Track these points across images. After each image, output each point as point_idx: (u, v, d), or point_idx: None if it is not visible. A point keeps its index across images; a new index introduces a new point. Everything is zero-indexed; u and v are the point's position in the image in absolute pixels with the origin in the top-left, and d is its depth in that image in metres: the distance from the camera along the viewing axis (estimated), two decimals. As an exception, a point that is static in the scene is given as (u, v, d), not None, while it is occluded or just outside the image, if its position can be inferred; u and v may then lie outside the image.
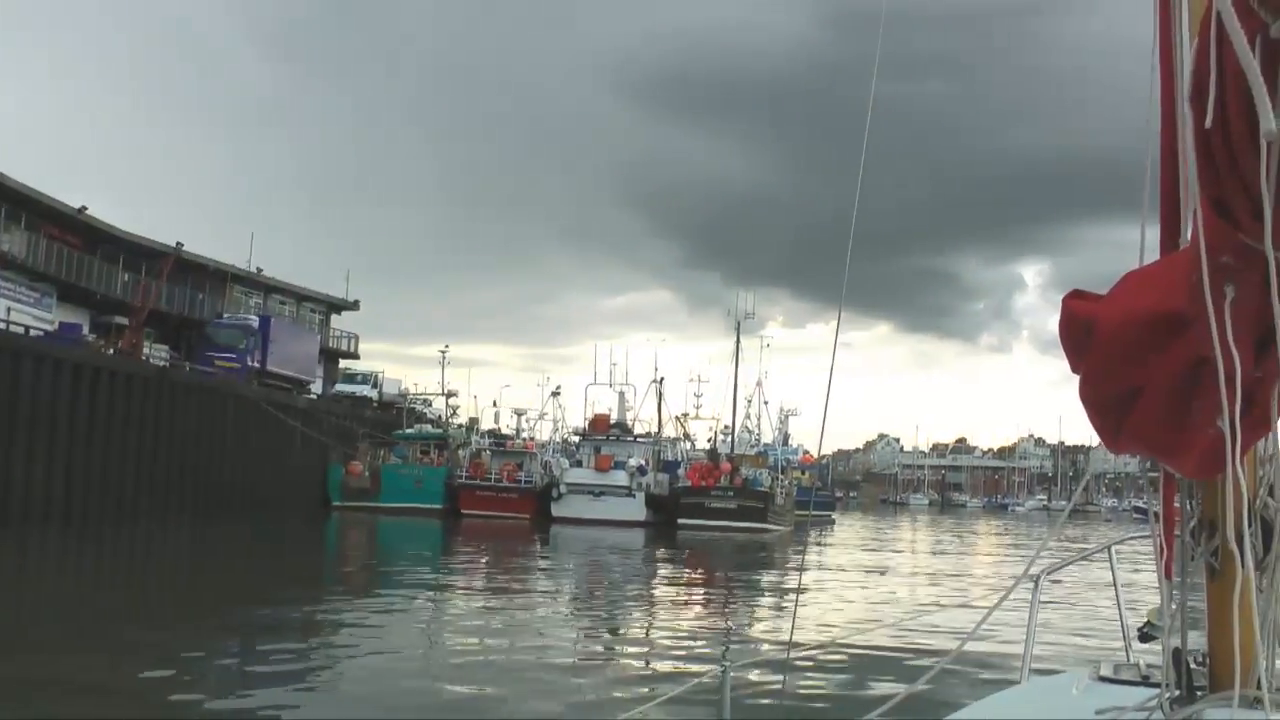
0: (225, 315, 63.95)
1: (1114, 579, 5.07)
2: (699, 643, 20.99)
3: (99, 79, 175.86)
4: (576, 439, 72.07)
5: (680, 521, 59.92)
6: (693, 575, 37.39)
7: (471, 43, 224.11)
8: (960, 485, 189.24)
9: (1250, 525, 2.35)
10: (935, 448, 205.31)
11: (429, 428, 72.18)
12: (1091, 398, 2.34)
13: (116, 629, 19.20)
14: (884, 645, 18.44)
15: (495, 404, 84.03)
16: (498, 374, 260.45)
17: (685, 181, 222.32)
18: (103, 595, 25.84)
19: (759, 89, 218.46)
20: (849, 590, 31.22)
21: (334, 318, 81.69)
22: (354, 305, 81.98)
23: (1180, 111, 2.03)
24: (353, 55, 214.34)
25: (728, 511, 60.99)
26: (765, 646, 20.01)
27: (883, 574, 38.49)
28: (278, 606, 22.70)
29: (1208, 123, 1.79)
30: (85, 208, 55.62)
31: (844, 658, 17.14)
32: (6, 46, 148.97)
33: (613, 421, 70.76)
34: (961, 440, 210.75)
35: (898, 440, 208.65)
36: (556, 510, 61.35)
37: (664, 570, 38.85)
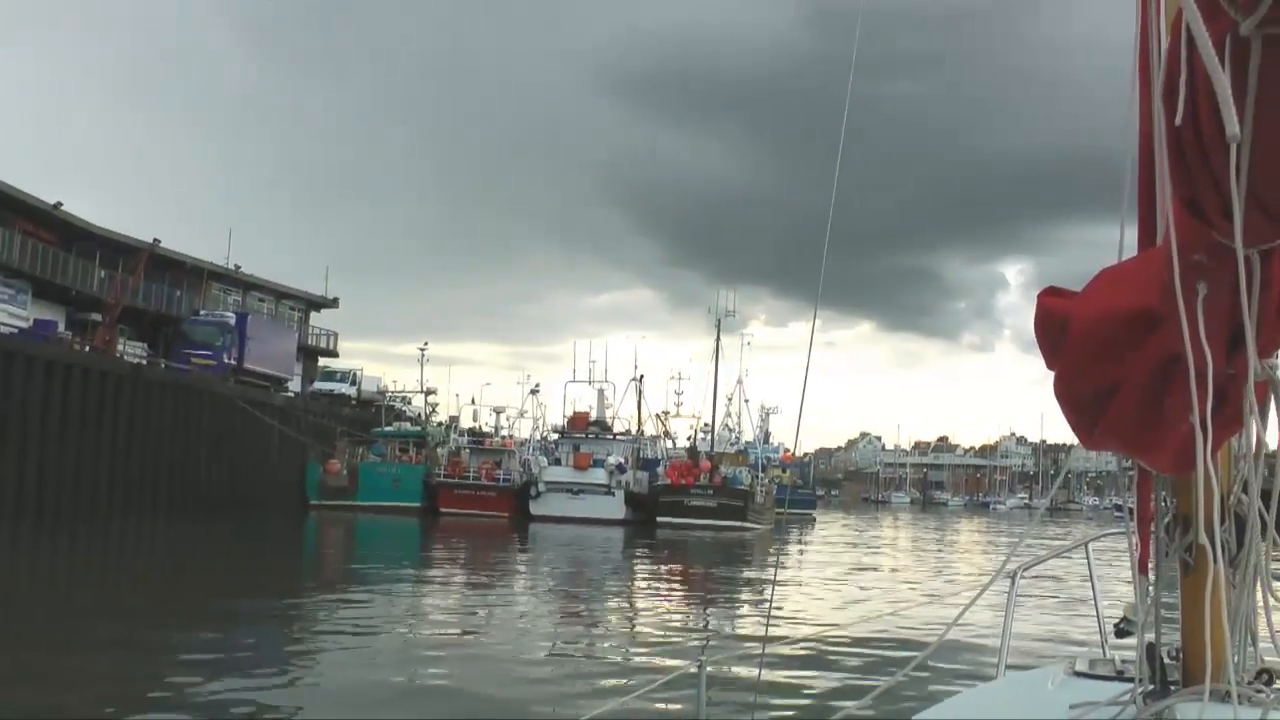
0: (202, 312, 63.58)
1: (1091, 575, 5.05)
2: (676, 638, 20.96)
3: (79, 75, 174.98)
4: (555, 437, 71.88)
5: (660, 520, 59.81)
6: (671, 573, 37.28)
7: (455, 41, 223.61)
8: (942, 484, 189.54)
9: (1223, 521, 2.34)
10: (917, 446, 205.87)
11: (408, 426, 71.88)
12: (1066, 394, 2.35)
13: (89, 625, 19.02)
14: (861, 640, 18.41)
15: (474, 402, 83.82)
16: (481, 372, 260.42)
17: (669, 180, 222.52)
18: (75, 592, 25.69)
19: (743, 87, 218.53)
20: (827, 587, 31.18)
21: (314, 315, 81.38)
22: (333, 303, 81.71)
23: (1154, 110, 2.01)
24: (336, 53, 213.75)
25: (707, 510, 60.90)
26: (742, 641, 19.91)
27: (862, 571, 38.47)
28: (253, 604, 22.54)
29: (1178, 121, 1.78)
30: (60, 203, 55.40)
31: (820, 653, 17.15)
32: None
33: (592, 419, 70.62)
34: (943, 439, 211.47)
35: (879, 439, 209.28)
36: (535, 508, 61.16)
37: (642, 568, 38.71)
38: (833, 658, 16.93)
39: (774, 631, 19.58)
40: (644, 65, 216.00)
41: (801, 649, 17.13)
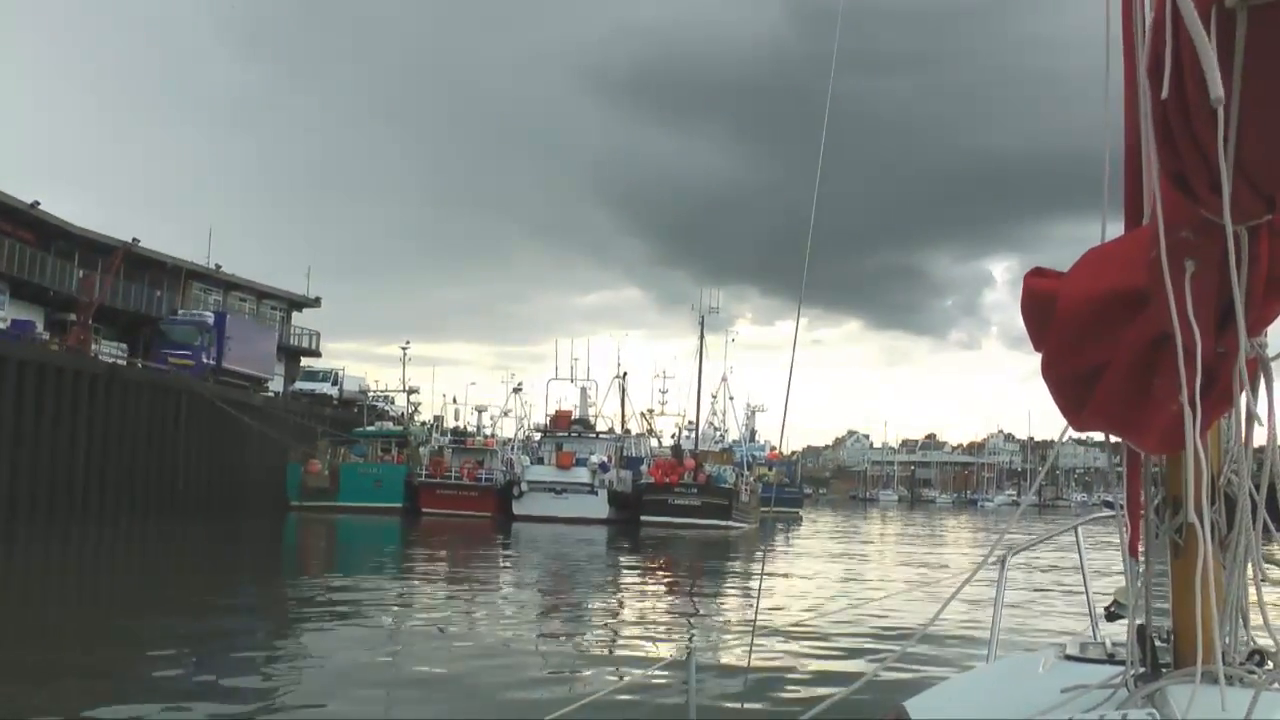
0: (181, 312, 63.04)
1: (1080, 559, 5.01)
2: (664, 629, 21.01)
3: (62, 75, 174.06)
4: (538, 436, 71.41)
5: (643, 519, 59.46)
6: (656, 569, 37.12)
7: (441, 41, 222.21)
8: (930, 481, 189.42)
9: (1213, 502, 2.38)
10: (905, 444, 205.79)
11: (390, 425, 71.25)
12: (1054, 375, 2.36)
13: (70, 621, 18.98)
14: (851, 628, 18.48)
15: (455, 401, 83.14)
16: (467, 372, 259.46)
17: (656, 179, 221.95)
18: (54, 590, 25.44)
19: (729, 86, 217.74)
20: (816, 579, 31.22)
21: (296, 315, 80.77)
22: (315, 302, 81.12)
23: (1139, 85, 2.00)
24: (322, 54, 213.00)
25: (691, 509, 60.54)
26: (730, 630, 19.91)
27: (850, 564, 38.51)
28: (232, 602, 22.43)
29: (1163, 94, 1.78)
30: (38, 203, 54.75)
31: (810, 640, 17.20)
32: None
33: (575, 418, 70.16)
34: (931, 436, 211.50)
35: (867, 436, 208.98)
36: (518, 508, 60.73)
37: (628, 565, 38.46)
38: (823, 645, 16.96)
39: (763, 621, 19.71)
40: (630, 65, 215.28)
41: (791, 637, 17.30)
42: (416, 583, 29.24)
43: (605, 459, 65.29)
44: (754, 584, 29.94)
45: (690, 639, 18.89)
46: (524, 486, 62.01)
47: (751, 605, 24.13)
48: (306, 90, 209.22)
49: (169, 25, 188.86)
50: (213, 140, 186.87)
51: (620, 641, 19.27)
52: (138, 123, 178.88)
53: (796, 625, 18.48)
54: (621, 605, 25.72)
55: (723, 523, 60.17)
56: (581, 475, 62.29)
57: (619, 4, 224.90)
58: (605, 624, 21.90)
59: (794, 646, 16.72)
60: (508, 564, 37.14)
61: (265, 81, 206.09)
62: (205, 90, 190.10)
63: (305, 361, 79.10)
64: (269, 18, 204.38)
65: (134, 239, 59.54)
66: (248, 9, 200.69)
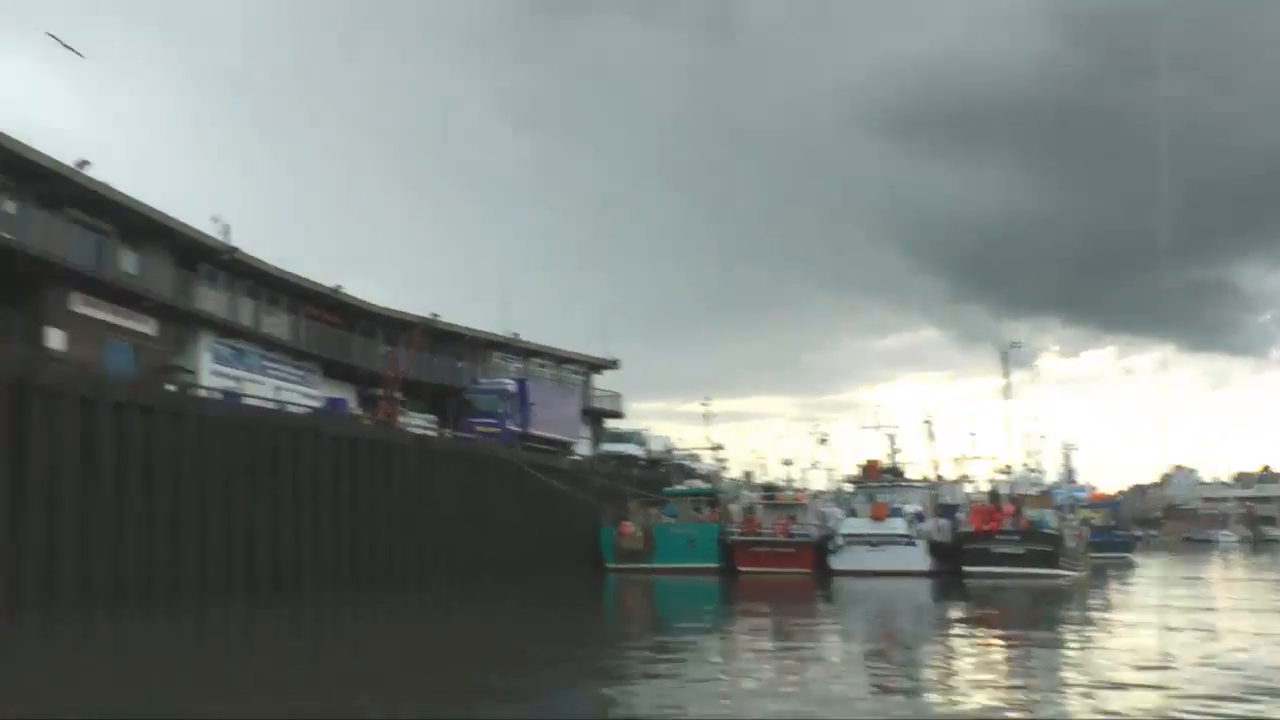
0: (483, 381, 63.96)
1: None
2: (1036, 688, 18.25)
3: (349, 164, 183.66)
4: (850, 488, 68.67)
5: (965, 569, 55.79)
6: (996, 624, 33.89)
7: (711, 91, 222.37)
8: (1272, 519, 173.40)
9: None
10: (1239, 477, 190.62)
11: (699, 483, 70.11)
12: None
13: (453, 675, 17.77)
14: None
15: (760, 455, 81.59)
16: (768, 425, 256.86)
17: (942, 213, 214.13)
18: (414, 652, 24.78)
19: (1007, 111, 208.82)
20: (1188, 632, 28.29)
21: (595, 377, 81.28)
22: (614, 364, 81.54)
23: None
24: (596, 119, 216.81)
25: (1015, 557, 56.38)
26: (1113, 689, 17.28)
27: (1210, 616, 34.82)
28: (562, 659, 22.04)
29: None
30: (340, 287, 57.25)
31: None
32: (271, 134, 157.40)
33: (885, 467, 67.15)
34: (1266, 468, 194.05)
35: (1194, 471, 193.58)
36: (834, 563, 57.96)
37: (962, 619, 35.39)
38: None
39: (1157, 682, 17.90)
40: (902, 99, 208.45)
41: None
42: (751, 639, 28.04)
43: (920, 508, 62.03)
44: (1112, 638, 27.48)
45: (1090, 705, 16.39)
46: (840, 540, 59.34)
47: (1120, 661, 21.48)
48: (585, 156, 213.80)
49: (451, 107, 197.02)
50: (496, 215, 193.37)
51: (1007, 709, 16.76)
52: (429, 203, 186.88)
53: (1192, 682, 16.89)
54: (988, 671, 22.86)
55: (1050, 571, 55.79)
56: (898, 526, 59.05)
57: (886, 39, 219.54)
58: (975, 693, 19.34)
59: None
60: (838, 621, 35.00)
61: (544, 151, 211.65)
62: (489, 167, 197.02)
63: (609, 423, 79.35)
64: (542, 90, 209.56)
65: (433, 314, 61.49)
66: (520, 84, 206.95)
